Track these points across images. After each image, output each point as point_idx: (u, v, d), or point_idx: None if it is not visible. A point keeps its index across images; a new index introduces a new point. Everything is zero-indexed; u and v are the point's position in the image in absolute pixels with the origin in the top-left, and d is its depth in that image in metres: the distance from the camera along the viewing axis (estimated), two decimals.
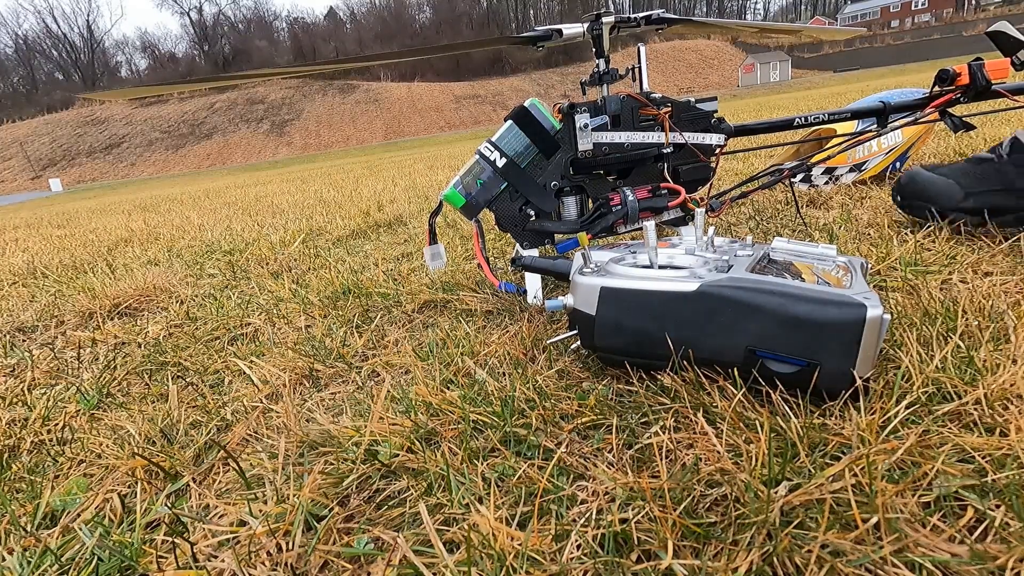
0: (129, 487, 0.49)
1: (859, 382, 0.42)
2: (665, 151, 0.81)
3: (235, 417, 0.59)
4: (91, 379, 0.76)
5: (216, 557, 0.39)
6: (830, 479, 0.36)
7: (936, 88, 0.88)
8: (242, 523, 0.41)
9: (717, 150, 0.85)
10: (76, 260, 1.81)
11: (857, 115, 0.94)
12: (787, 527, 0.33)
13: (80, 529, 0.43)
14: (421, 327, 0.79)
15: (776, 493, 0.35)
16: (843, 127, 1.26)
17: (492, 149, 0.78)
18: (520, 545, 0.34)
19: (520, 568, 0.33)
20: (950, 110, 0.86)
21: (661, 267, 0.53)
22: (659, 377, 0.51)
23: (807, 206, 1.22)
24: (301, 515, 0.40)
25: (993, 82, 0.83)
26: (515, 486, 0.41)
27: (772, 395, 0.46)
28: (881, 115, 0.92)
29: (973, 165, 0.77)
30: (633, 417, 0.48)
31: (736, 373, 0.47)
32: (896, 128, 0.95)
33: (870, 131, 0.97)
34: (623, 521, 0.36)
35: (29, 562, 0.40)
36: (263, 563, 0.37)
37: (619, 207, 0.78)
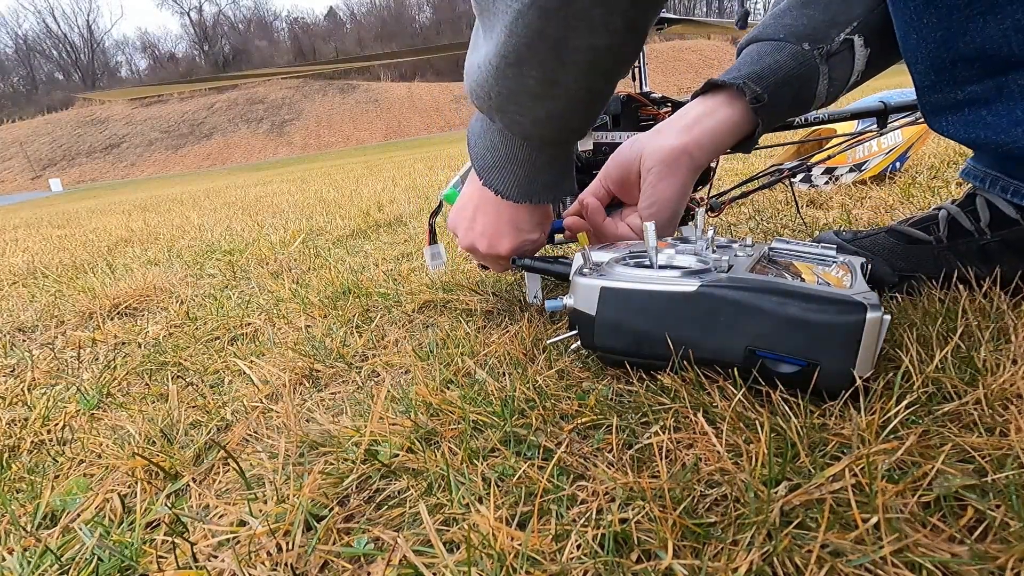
0: (129, 487, 0.49)
1: (859, 382, 0.42)
2: None
3: (235, 417, 0.59)
4: (91, 379, 0.76)
5: (216, 557, 0.39)
6: (830, 479, 0.36)
7: None
8: (242, 523, 0.41)
9: None
10: (76, 260, 1.81)
11: (857, 115, 0.94)
12: (787, 527, 0.33)
13: (80, 529, 0.43)
14: (421, 327, 0.79)
15: (776, 493, 0.35)
16: (843, 127, 1.26)
17: None
18: (520, 545, 0.34)
19: (520, 568, 0.33)
20: None
21: (661, 267, 0.53)
22: (659, 377, 0.51)
23: (807, 206, 1.22)
24: (301, 515, 0.40)
25: None
26: (515, 486, 0.41)
27: (772, 395, 0.46)
28: (881, 115, 0.92)
29: (904, 244, 0.65)
30: (633, 417, 0.48)
31: (736, 373, 0.47)
32: (896, 128, 0.95)
33: (870, 131, 0.97)
34: (623, 521, 0.36)
35: (29, 562, 0.40)
36: (263, 563, 0.37)
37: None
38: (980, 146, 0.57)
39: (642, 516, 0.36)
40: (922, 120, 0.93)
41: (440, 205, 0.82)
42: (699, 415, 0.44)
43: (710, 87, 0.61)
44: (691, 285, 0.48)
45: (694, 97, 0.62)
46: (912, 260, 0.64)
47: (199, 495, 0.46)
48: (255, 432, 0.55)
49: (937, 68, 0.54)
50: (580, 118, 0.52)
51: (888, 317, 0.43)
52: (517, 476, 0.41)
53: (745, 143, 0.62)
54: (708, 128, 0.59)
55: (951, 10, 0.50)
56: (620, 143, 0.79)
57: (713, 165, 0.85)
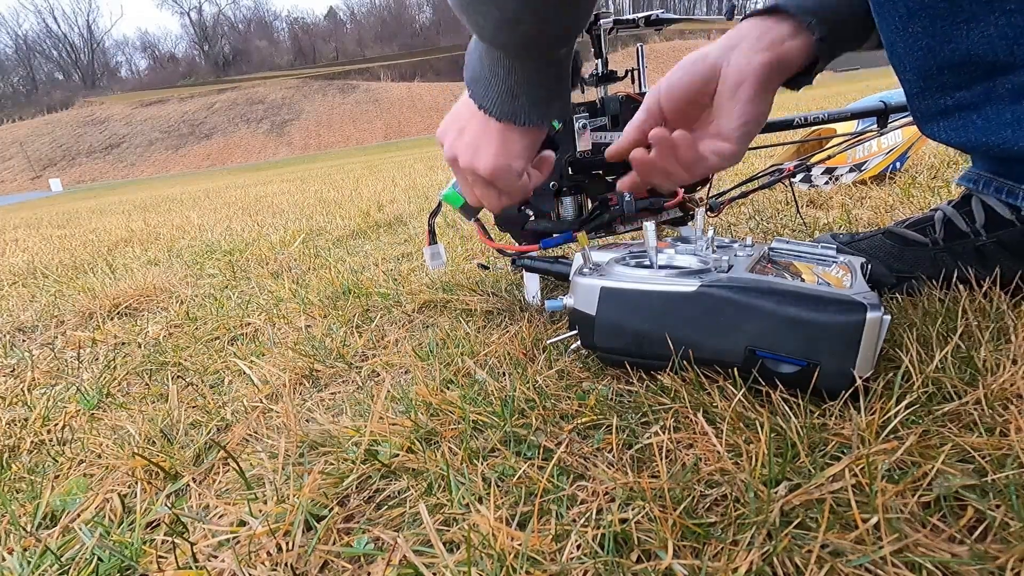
0: (129, 487, 0.49)
1: (859, 382, 0.42)
2: None
3: (235, 417, 0.59)
4: (91, 379, 0.76)
5: (216, 557, 0.39)
6: (830, 479, 0.36)
7: None
8: (242, 523, 0.41)
9: None
10: (76, 260, 1.81)
11: (857, 115, 0.94)
12: (787, 527, 0.33)
13: (80, 529, 0.43)
14: (421, 327, 0.79)
15: (776, 493, 0.36)
16: (843, 127, 1.26)
17: None
18: (520, 545, 0.34)
19: (520, 568, 0.33)
20: None
21: (661, 267, 0.53)
22: (659, 377, 0.51)
23: (807, 206, 1.22)
24: (301, 515, 0.40)
25: None
26: (515, 486, 0.41)
27: (772, 395, 0.46)
28: (881, 115, 0.92)
29: (900, 246, 0.66)
30: (633, 417, 0.48)
31: (736, 373, 0.47)
32: (896, 128, 0.95)
33: (870, 131, 0.97)
34: (623, 521, 0.36)
35: (29, 562, 0.40)
36: (263, 563, 0.37)
37: (616, 207, 0.78)
38: (973, 149, 0.57)
39: (642, 516, 0.36)
40: None
41: (439, 205, 0.82)
42: (699, 415, 0.44)
43: (773, 10, 0.56)
44: (691, 285, 0.48)
45: (750, 17, 0.57)
46: (909, 262, 0.64)
47: (199, 495, 0.46)
48: (255, 432, 0.55)
49: (925, 75, 0.55)
50: (536, 21, 0.49)
51: (888, 317, 0.43)
52: (517, 476, 0.41)
53: (802, 77, 0.58)
54: (785, 49, 0.54)
55: (935, 18, 0.51)
56: None
57: None
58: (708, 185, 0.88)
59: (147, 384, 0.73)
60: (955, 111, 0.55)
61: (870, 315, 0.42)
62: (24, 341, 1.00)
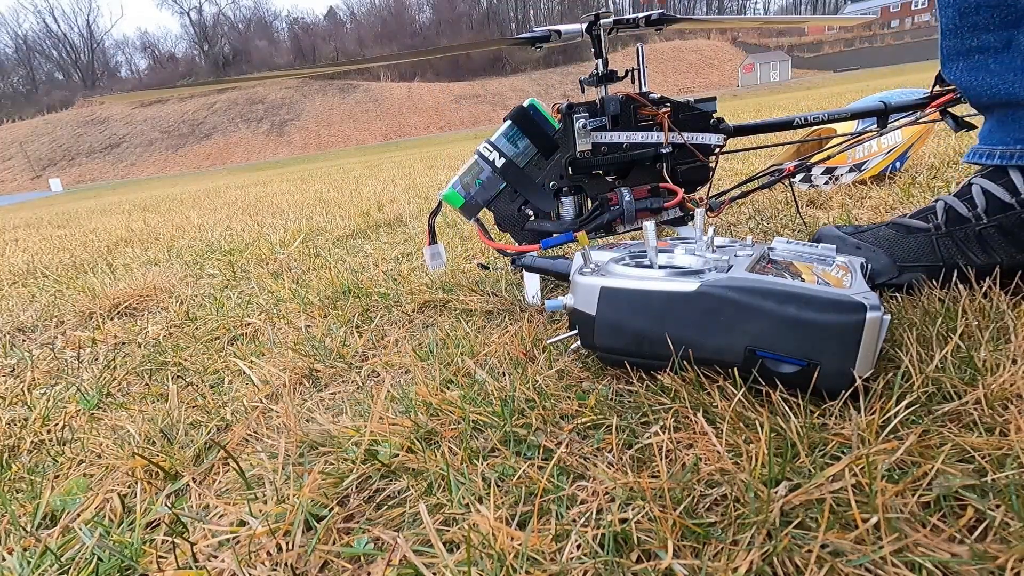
0: (129, 487, 0.49)
1: (859, 382, 0.42)
2: (664, 151, 0.81)
3: (235, 417, 0.59)
4: (91, 379, 0.76)
5: (216, 557, 0.39)
6: (830, 479, 0.36)
7: (937, 88, 0.88)
8: (242, 523, 0.41)
9: (716, 150, 0.85)
10: (76, 260, 1.81)
11: (857, 115, 0.94)
12: (787, 527, 0.33)
13: (80, 529, 0.43)
14: (421, 327, 0.79)
15: (776, 493, 0.35)
16: (843, 127, 1.26)
17: (491, 149, 0.78)
18: (520, 545, 0.34)
19: (520, 568, 0.33)
20: (951, 110, 0.86)
21: (661, 267, 0.53)
22: (659, 377, 0.51)
23: (807, 206, 1.22)
24: (301, 515, 0.40)
25: None
26: (515, 486, 0.41)
27: (772, 395, 0.46)
28: (881, 115, 0.92)
29: (902, 234, 0.67)
30: (633, 417, 0.48)
31: (736, 373, 0.47)
32: (896, 128, 0.95)
33: (870, 131, 0.97)
34: (623, 521, 0.36)
35: (29, 562, 0.40)
36: (263, 563, 0.37)
37: (616, 207, 0.78)
38: (978, 91, 0.61)
39: (642, 516, 0.36)
40: (923, 120, 0.93)
41: (439, 205, 0.82)
42: (699, 415, 0.44)
43: None
44: (691, 285, 0.48)
45: None
46: (912, 250, 0.65)
47: (199, 495, 0.46)
48: (255, 432, 0.55)
49: (962, 12, 0.59)
50: None
51: (888, 317, 0.43)
52: (517, 476, 0.41)
53: None
54: None
55: None
56: (619, 143, 0.79)
57: (712, 165, 0.85)
58: (708, 185, 0.87)
59: (147, 384, 0.73)
60: (976, 53, 0.60)
61: (870, 315, 0.42)
62: (24, 341, 1.00)
